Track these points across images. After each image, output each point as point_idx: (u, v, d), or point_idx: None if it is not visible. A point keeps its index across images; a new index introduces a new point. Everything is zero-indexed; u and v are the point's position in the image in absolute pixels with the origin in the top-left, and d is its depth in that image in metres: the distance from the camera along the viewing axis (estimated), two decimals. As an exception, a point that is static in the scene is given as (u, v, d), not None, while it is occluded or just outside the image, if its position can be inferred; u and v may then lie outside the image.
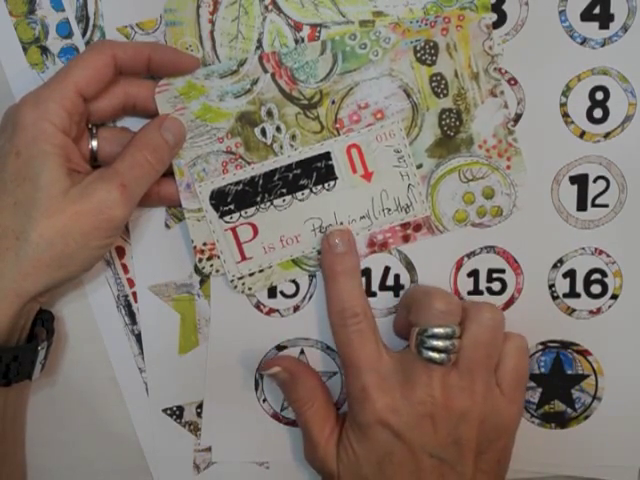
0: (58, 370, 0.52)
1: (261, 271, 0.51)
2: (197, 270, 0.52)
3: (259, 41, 0.49)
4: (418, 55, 0.49)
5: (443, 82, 0.49)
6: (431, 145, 0.50)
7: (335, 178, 0.50)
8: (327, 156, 0.50)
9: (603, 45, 0.50)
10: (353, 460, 0.48)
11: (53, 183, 0.44)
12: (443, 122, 0.50)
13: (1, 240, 0.44)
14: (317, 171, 0.50)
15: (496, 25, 0.49)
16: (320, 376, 0.52)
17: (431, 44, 0.49)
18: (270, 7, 0.49)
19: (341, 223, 0.50)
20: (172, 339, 0.52)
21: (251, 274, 0.50)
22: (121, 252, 0.52)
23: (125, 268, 0.52)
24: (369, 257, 0.51)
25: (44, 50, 0.50)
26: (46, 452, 0.53)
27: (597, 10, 0.49)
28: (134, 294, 0.52)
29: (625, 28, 0.49)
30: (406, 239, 0.51)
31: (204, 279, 0.52)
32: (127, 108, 0.49)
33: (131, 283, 0.52)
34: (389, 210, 0.50)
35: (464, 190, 0.50)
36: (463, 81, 0.49)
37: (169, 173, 0.49)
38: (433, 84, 0.49)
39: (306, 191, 0.50)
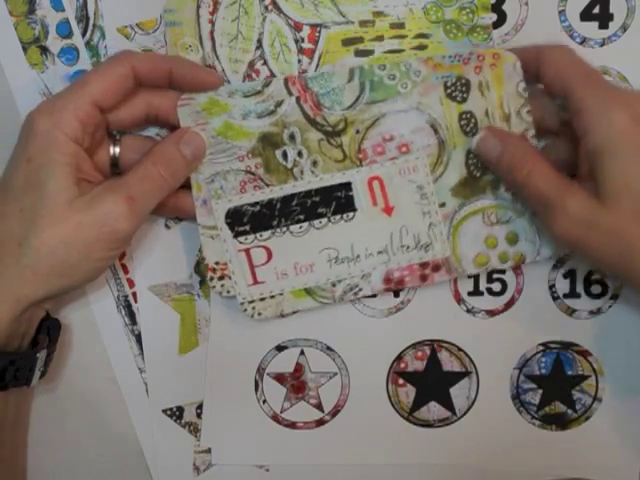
0: (58, 370, 0.52)
1: (272, 297, 0.49)
2: (197, 270, 0.52)
3: (259, 41, 0.49)
4: (448, 91, 0.48)
5: (473, 121, 0.48)
6: (456, 184, 0.49)
7: (354, 209, 0.48)
8: (348, 186, 0.48)
9: (602, 45, 0.50)
10: None
11: (59, 192, 0.44)
12: (470, 161, 0.48)
13: (4, 245, 0.44)
14: (336, 200, 0.49)
15: (496, 25, 0.49)
16: None
17: (463, 81, 0.47)
18: (270, 7, 0.49)
19: (357, 256, 0.49)
20: (172, 339, 0.52)
21: (262, 299, 0.49)
22: (121, 253, 0.52)
23: (125, 268, 0.52)
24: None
25: (44, 50, 0.50)
26: (46, 452, 0.53)
27: (596, 10, 0.49)
28: (134, 294, 0.52)
29: (624, 28, 0.49)
30: (424, 279, 0.49)
31: (204, 280, 0.52)
32: (149, 118, 0.48)
33: (131, 283, 0.52)
34: (408, 247, 0.49)
35: (487, 233, 0.49)
36: (494, 121, 0.48)
37: (188, 185, 0.49)
38: (462, 122, 0.48)
39: (324, 220, 0.49)
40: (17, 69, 0.50)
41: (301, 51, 0.50)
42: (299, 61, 0.50)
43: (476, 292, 0.52)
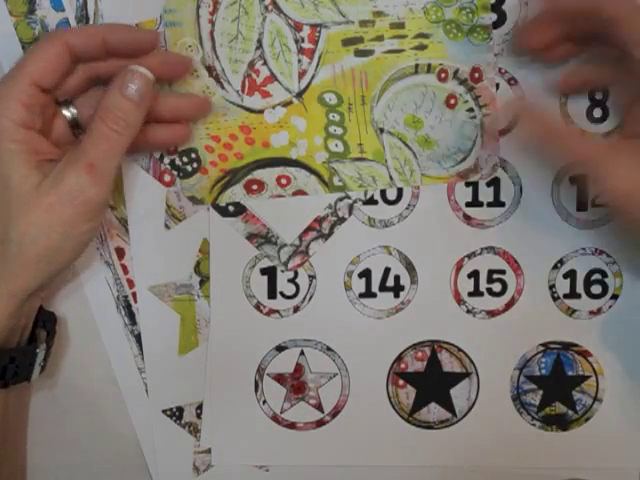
0: (58, 370, 0.52)
1: None
2: (197, 271, 0.52)
3: (259, 41, 0.49)
4: None
5: None
6: None
7: None
8: None
9: (603, 45, 0.50)
10: None
11: (23, 180, 0.44)
12: None
13: None
14: None
15: (496, 25, 0.49)
16: None
17: None
18: (270, 7, 0.49)
19: None
20: (172, 340, 0.52)
21: None
22: (121, 253, 0.52)
23: (125, 269, 0.52)
24: (368, 258, 0.51)
25: (44, 50, 0.50)
26: (46, 452, 0.53)
27: (597, 10, 0.49)
28: (134, 295, 0.52)
29: None
30: None
31: (204, 280, 0.52)
32: (92, 82, 0.47)
33: (131, 284, 0.52)
34: None
35: None
36: None
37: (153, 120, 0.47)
38: None
39: None
40: (17, 69, 0.50)
41: (301, 51, 0.50)
42: (299, 61, 0.50)
43: (476, 292, 0.52)
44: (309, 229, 0.51)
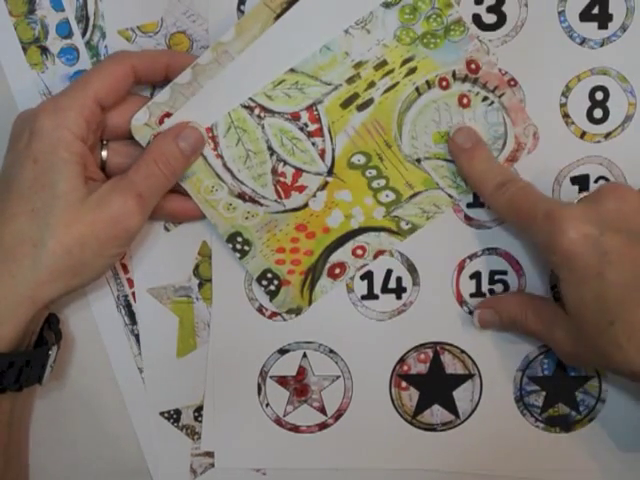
0: (58, 370, 0.51)
1: None
2: (196, 273, 0.51)
3: (270, 148, 0.49)
4: None
5: None
6: None
7: None
8: None
9: (602, 45, 0.50)
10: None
11: (71, 191, 0.44)
12: None
13: (18, 247, 0.44)
14: None
15: (496, 26, 0.50)
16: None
17: None
18: (262, 114, 0.49)
19: None
20: (170, 342, 0.52)
21: None
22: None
23: (125, 268, 0.51)
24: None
25: (44, 50, 0.50)
26: (46, 452, 0.52)
27: (596, 10, 0.50)
28: (134, 294, 0.52)
29: (624, 28, 0.50)
30: None
31: (203, 282, 0.51)
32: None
33: (131, 283, 0.52)
34: None
35: None
36: None
37: (178, 189, 0.49)
38: None
39: None
40: (17, 69, 0.50)
41: (310, 134, 0.49)
42: (313, 144, 0.50)
43: (478, 293, 0.52)
44: None
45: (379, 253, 0.51)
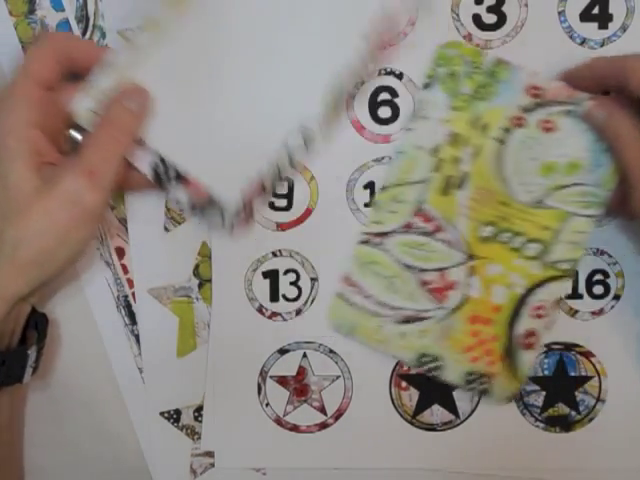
0: (57, 370, 0.51)
1: None
2: (195, 273, 0.51)
3: (406, 265, 0.49)
4: None
5: None
6: None
7: None
8: None
9: (602, 45, 0.50)
10: None
11: (21, 181, 0.43)
12: None
13: None
14: None
15: (496, 26, 0.50)
16: None
17: None
18: (379, 240, 0.49)
19: None
20: (170, 342, 0.52)
21: None
22: (121, 253, 0.51)
23: (125, 268, 0.51)
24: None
25: (44, 50, 0.50)
26: (45, 452, 0.52)
27: (596, 10, 0.50)
28: (134, 294, 0.51)
29: (624, 28, 0.50)
30: None
31: (203, 283, 0.51)
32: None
33: (131, 283, 0.52)
34: None
35: None
36: None
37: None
38: None
39: None
40: (17, 69, 0.50)
41: (432, 233, 0.49)
42: (441, 240, 0.49)
43: (479, 294, 0.52)
44: (252, 189, 0.49)
45: (557, 303, 0.50)
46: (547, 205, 0.49)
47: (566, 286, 0.50)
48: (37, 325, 0.48)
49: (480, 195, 0.49)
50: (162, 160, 0.47)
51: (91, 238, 0.48)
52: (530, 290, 0.49)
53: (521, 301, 0.49)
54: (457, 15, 0.50)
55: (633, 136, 0.46)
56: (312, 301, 0.52)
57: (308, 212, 0.51)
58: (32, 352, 0.46)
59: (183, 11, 0.47)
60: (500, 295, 0.50)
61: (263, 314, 0.52)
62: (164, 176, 0.47)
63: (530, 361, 0.50)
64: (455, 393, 0.52)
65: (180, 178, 0.47)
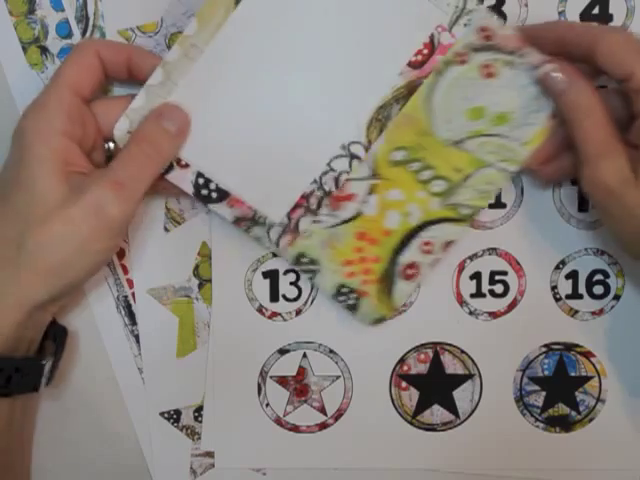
0: (57, 370, 0.50)
1: None
2: (195, 273, 0.51)
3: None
4: None
5: None
6: None
7: None
8: None
9: (602, 45, 0.50)
10: None
11: (49, 189, 0.43)
12: None
13: (2, 249, 0.43)
14: None
15: (496, 26, 0.50)
16: None
17: None
18: None
19: None
20: (170, 342, 0.52)
21: None
22: (120, 253, 0.51)
23: (125, 269, 0.51)
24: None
25: (44, 50, 0.50)
26: (46, 452, 0.52)
27: (596, 10, 0.50)
28: (134, 295, 0.51)
29: (624, 28, 0.50)
30: None
31: (202, 283, 0.51)
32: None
33: (131, 284, 0.52)
34: None
35: None
36: None
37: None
38: None
39: None
40: (17, 69, 0.50)
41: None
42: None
43: (478, 294, 0.52)
44: (297, 206, 0.49)
45: (447, 245, 0.49)
46: (465, 148, 0.48)
47: (460, 232, 0.49)
48: (55, 337, 0.48)
49: (403, 119, 0.48)
50: (203, 177, 0.47)
51: (113, 250, 0.47)
52: (424, 224, 0.49)
53: (413, 232, 0.49)
54: (457, 15, 0.50)
55: (593, 108, 0.44)
56: (312, 301, 0.52)
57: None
58: (47, 362, 0.46)
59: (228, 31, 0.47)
60: (393, 220, 0.49)
61: (263, 314, 0.52)
62: (205, 192, 0.48)
63: (405, 293, 0.49)
64: (455, 393, 0.52)
65: (222, 194, 0.48)
